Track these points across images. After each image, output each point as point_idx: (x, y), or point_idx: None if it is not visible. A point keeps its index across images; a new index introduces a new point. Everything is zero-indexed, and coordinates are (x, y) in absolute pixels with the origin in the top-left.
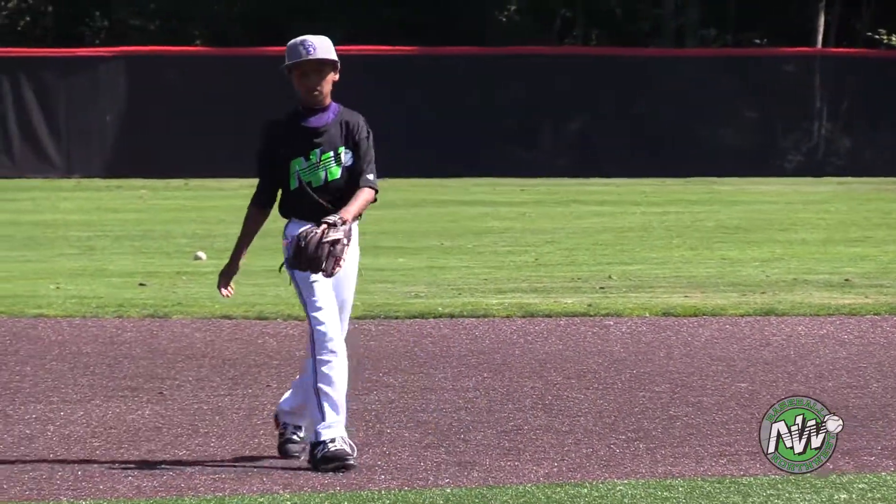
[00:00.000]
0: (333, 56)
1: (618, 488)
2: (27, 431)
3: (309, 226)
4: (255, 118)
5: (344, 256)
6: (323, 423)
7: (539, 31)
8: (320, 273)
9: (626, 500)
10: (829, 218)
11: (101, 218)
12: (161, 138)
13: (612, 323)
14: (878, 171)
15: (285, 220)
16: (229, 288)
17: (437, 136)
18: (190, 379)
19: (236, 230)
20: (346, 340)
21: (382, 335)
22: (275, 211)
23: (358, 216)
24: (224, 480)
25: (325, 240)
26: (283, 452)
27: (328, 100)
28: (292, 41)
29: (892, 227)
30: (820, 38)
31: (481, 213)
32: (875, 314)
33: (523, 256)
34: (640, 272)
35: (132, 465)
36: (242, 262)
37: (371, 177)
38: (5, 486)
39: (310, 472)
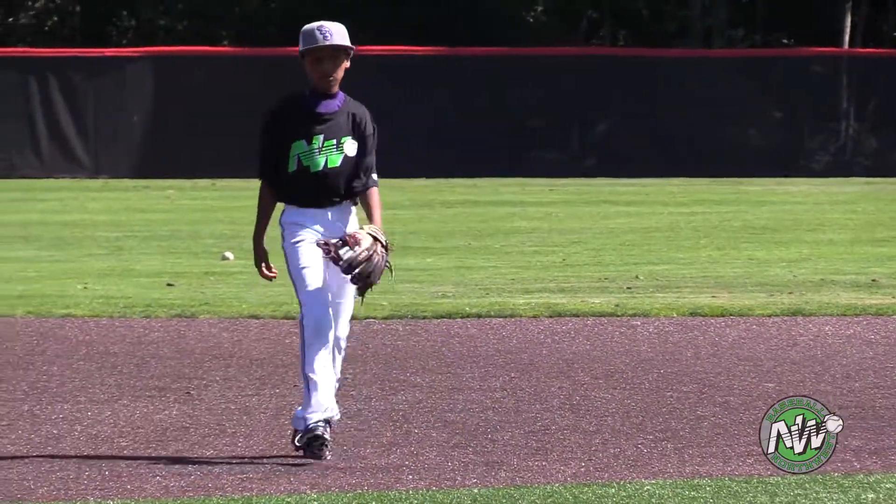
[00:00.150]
0: (349, 43)
1: (645, 488)
2: (54, 431)
3: (364, 250)
4: None
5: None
6: (309, 408)
7: (566, 32)
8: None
9: (653, 500)
10: (857, 218)
11: (128, 218)
12: (188, 138)
13: (639, 323)
14: None
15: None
16: (272, 270)
17: (464, 137)
18: (217, 379)
19: None
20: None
21: (410, 335)
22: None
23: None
24: (251, 480)
25: (386, 261)
26: (308, 452)
27: (338, 86)
28: (308, 26)
29: None
30: (847, 38)
31: (509, 213)
32: None
33: (550, 256)
34: (667, 272)
35: (159, 465)
36: (267, 242)
37: (375, 176)
38: (33, 486)
39: (338, 472)
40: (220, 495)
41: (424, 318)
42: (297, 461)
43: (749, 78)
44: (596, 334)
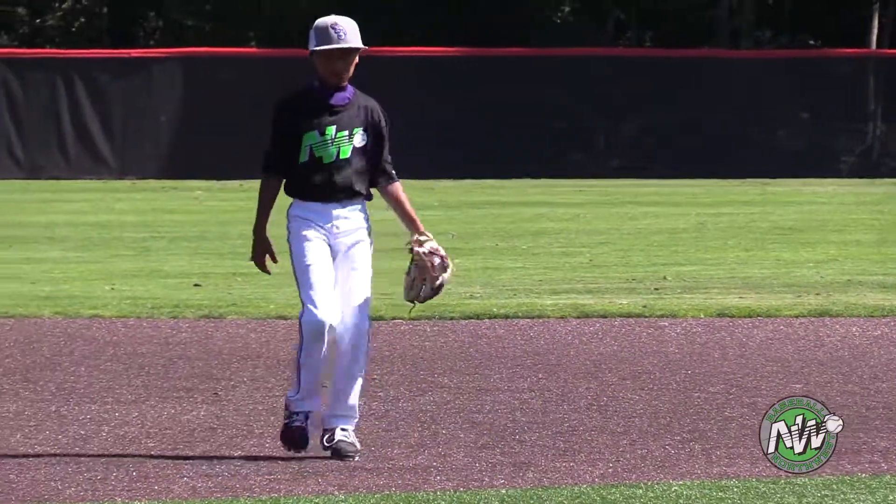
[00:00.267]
0: (361, 43)
1: (673, 489)
2: (82, 432)
3: (439, 265)
4: None
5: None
6: (295, 395)
7: (593, 33)
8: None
9: (680, 501)
10: (884, 219)
11: (156, 219)
12: (216, 139)
13: (666, 324)
14: None
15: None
16: (274, 261)
17: (492, 138)
18: (245, 379)
19: None
20: (344, 334)
21: (437, 336)
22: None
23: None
24: (279, 481)
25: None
26: (336, 453)
27: (347, 80)
28: (321, 23)
29: None
30: (874, 39)
31: (536, 214)
32: None
33: (578, 257)
34: (694, 273)
35: (187, 466)
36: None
37: (393, 172)
38: (60, 487)
39: (365, 473)
40: (248, 496)
41: (452, 318)
42: (325, 463)
43: (776, 79)
44: (623, 335)
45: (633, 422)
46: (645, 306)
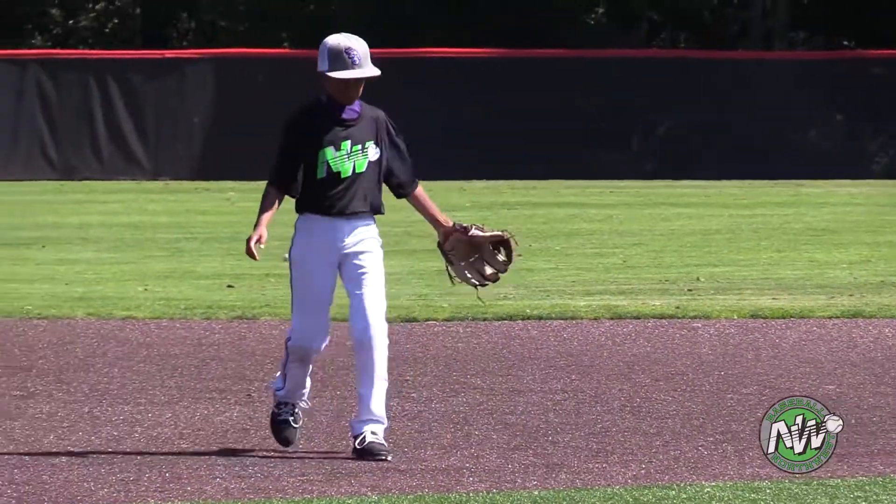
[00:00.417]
0: (374, 68)
1: (705, 490)
2: (115, 433)
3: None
4: None
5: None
6: (280, 389)
7: (626, 35)
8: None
9: (713, 502)
10: None
11: (189, 220)
12: (249, 140)
13: (699, 325)
14: None
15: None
16: (261, 242)
17: (525, 139)
18: None
19: None
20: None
21: (470, 337)
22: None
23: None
24: (312, 482)
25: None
26: (366, 453)
27: None
28: (333, 44)
29: None
30: None
31: (569, 214)
32: None
33: (611, 258)
34: (727, 274)
35: (220, 467)
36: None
37: (415, 176)
38: (93, 488)
39: (398, 474)
40: (281, 497)
41: (485, 320)
42: (359, 464)
43: (810, 80)
44: (656, 336)
45: (665, 423)
46: (678, 307)
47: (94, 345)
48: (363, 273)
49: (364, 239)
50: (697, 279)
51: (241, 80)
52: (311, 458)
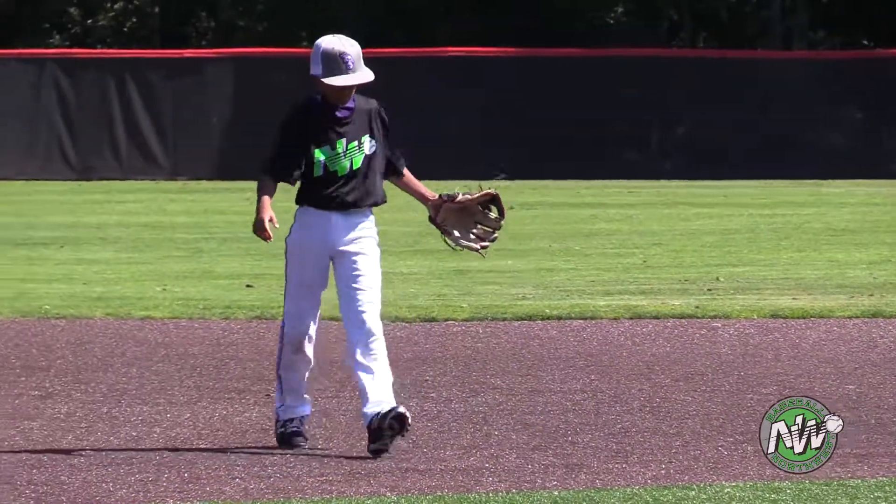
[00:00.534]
0: (368, 72)
1: (725, 490)
2: (133, 433)
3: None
4: None
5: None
6: (280, 406)
7: (646, 33)
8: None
9: (733, 503)
10: None
11: (207, 220)
12: (267, 140)
13: (719, 325)
14: None
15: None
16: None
17: (544, 138)
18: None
19: None
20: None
21: (490, 337)
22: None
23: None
24: (331, 482)
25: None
26: (379, 431)
27: None
28: (329, 49)
29: None
30: None
31: (589, 215)
32: None
33: (631, 258)
34: (747, 274)
35: (239, 467)
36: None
37: (402, 160)
38: (112, 489)
39: (417, 475)
40: (300, 497)
41: (504, 319)
42: (377, 464)
43: (829, 79)
44: (676, 336)
45: (685, 423)
46: (698, 307)
47: (113, 345)
48: (358, 275)
49: (361, 237)
50: (717, 279)
51: (259, 79)
52: (331, 458)
